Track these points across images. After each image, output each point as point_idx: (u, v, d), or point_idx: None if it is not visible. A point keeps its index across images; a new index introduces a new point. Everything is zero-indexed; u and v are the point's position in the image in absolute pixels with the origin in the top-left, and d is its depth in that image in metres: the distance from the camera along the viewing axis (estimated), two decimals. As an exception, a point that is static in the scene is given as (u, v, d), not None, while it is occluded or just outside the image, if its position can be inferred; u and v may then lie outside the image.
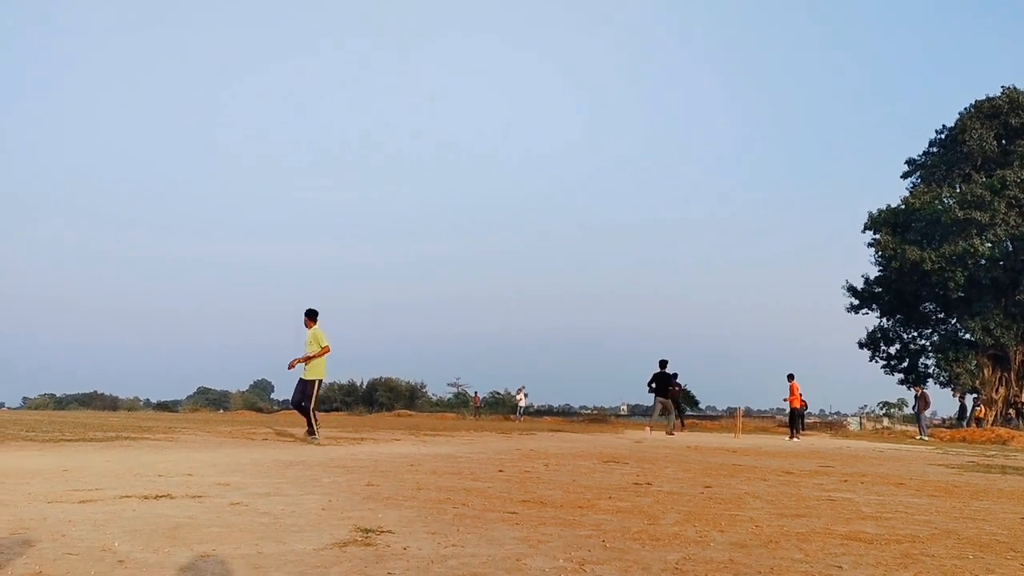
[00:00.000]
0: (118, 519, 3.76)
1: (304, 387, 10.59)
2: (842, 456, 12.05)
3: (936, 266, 29.20)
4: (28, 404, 63.69)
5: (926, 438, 22.31)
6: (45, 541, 3.17)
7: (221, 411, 52.59)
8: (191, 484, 5.28)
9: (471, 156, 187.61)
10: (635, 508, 4.82)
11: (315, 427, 10.62)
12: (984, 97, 32.58)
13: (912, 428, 26.93)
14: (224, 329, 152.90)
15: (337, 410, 46.72)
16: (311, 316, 10.83)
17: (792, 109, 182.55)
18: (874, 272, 34.01)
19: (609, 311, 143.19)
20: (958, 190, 31.13)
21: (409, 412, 42.06)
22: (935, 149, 34.70)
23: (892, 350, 35.18)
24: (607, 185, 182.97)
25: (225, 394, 73.36)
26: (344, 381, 53.72)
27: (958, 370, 30.20)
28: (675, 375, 23.05)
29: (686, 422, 25.34)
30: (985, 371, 30.27)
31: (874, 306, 34.74)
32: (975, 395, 30.07)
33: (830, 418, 43.58)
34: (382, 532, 3.61)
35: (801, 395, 20.96)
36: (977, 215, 28.66)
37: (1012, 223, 28.64)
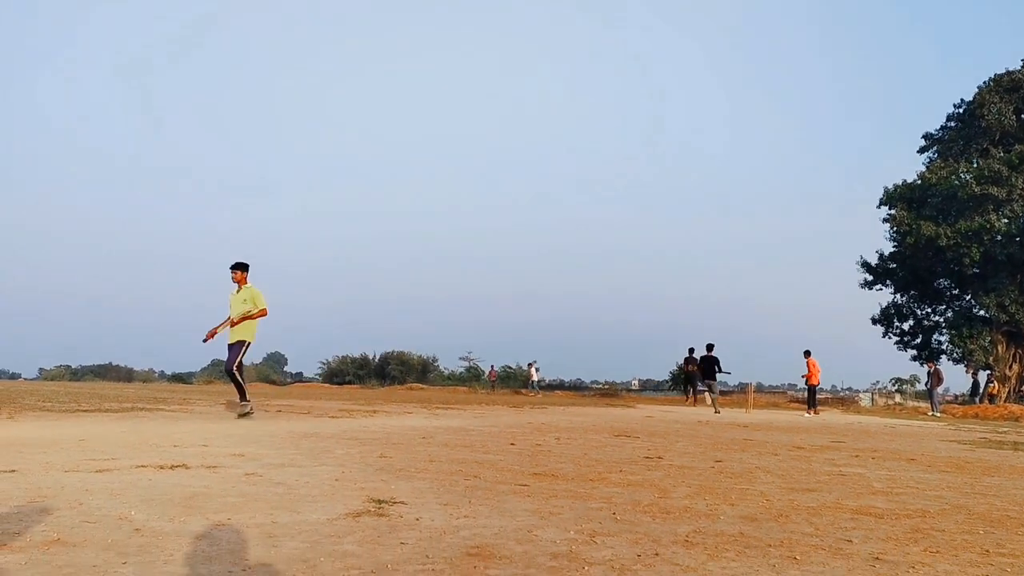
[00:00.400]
0: (134, 488, 3.80)
1: (232, 350, 9.47)
2: (853, 431, 12.04)
3: (951, 242, 28.90)
4: (44, 375, 64.36)
5: (938, 414, 22.25)
6: (63, 509, 3.22)
7: (235, 384, 53.01)
8: (206, 455, 5.34)
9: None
10: (646, 481, 4.83)
11: (245, 390, 9.52)
12: (1004, 71, 32.07)
13: (924, 404, 26.86)
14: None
15: (350, 383, 47.09)
16: (243, 269, 9.52)
17: (806, 82, 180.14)
18: (889, 248, 33.73)
19: (620, 286, 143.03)
20: (975, 165, 30.70)
21: (421, 386, 42.30)
22: (953, 124, 34.19)
23: (906, 326, 34.95)
24: (621, 162, 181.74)
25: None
26: (357, 354, 54.16)
27: (972, 346, 29.98)
28: (692, 356, 23.65)
29: (698, 397, 25.43)
30: (999, 347, 30.05)
31: (888, 282, 34.45)
32: (988, 371, 29.91)
33: (842, 394, 43.51)
34: (395, 503, 3.64)
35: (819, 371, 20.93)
36: (994, 190, 28.28)
37: (1029, 199, 28.27)
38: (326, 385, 44.81)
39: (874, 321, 35.33)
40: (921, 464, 6.80)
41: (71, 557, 2.49)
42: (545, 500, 3.94)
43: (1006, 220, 28.66)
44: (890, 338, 35.19)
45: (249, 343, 9.46)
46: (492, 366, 45.80)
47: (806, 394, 21.46)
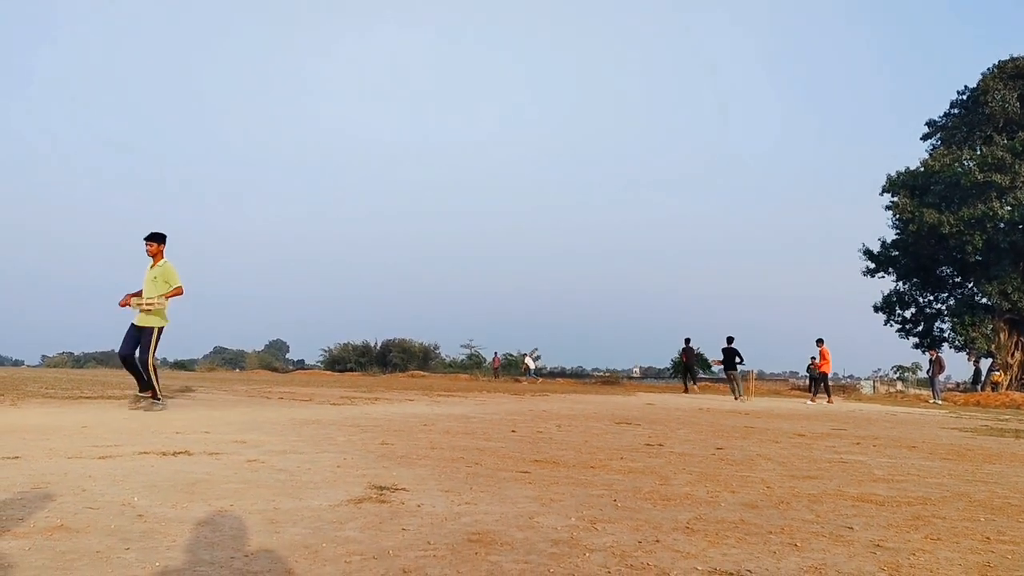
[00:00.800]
0: (137, 475, 3.82)
1: (139, 335, 8.15)
2: (855, 419, 12.05)
3: (954, 229, 28.84)
4: (47, 362, 64.56)
5: (940, 402, 22.26)
6: (66, 495, 3.23)
7: (237, 370, 53.34)
8: (208, 441, 5.35)
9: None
10: (647, 469, 4.84)
11: (157, 387, 8.25)
12: (1008, 57, 31.88)
13: (925, 392, 26.87)
14: (241, 290, 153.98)
15: (352, 370, 47.16)
16: (159, 241, 8.37)
17: (817, 68, 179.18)
18: (891, 235, 33.66)
19: (622, 273, 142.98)
20: (978, 152, 30.57)
21: (423, 373, 42.40)
22: (956, 111, 34.04)
23: (907, 314, 34.92)
24: (622, 148, 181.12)
25: (241, 353, 74.20)
26: (358, 342, 54.21)
27: (974, 334, 29.97)
28: (688, 347, 23.81)
29: (699, 384, 25.51)
30: (1001, 335, 30.02)
31: (890, 269, 34.38)
32: (991, 359, 29.91)
33: (843, 381, 43.50)
34: (396, 490, 3.65)
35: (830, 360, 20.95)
36: (997, 178, 28.18)
37: (1033, 186, 28.18)
38: (328, 372, 44.91)
39: (876, 309, 35.29)
40: (922, 452, 6.81)
41: (74, 543, 2.50)
42: (546, 487, 3.94)
43: (1009, 207, 28.55)
44: (892, 326, 35.19)
45: (162, 327, 8.25)
46: (496, 353, 45.93)
47: (809, 382, 21.47)
